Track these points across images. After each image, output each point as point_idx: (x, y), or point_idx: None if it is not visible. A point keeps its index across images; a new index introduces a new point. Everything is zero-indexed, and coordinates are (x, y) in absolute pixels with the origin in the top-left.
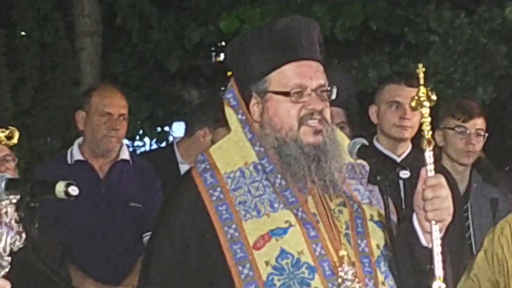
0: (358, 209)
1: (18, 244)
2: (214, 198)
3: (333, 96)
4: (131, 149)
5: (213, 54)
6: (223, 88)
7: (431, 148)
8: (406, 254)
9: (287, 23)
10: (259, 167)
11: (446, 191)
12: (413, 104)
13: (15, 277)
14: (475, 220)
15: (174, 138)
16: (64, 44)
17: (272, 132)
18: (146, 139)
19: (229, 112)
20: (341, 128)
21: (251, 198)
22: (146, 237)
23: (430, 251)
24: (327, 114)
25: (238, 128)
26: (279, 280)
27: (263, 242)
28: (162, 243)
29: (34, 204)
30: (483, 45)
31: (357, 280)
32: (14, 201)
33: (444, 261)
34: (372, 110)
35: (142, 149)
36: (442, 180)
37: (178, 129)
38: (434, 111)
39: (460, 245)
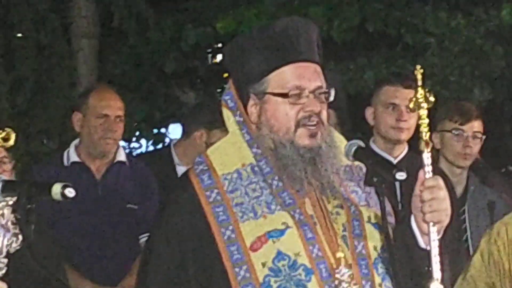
0: (355, 211)
1: (15, 245)
2: (211, 199)
3: (331, 98)
4: (127, 150)
5: (210, 55)
6: (219, 90)
7: (429, 149)
8: (404, 256)
9: (286, 24)
10: (256, 168)
11: (444, 193)
12: (411, 105)
13: (11, 279)
14: (472, 222)
15: (171, 139)
16: (61, 46)
17: (269, 134)
18: (143, 141)
19: (226, 113)
20: None
21: (248, 200)
22: (143, 238)
23: (428, 253)
24: (324, 116)
25: (235, 130)
26: (275, 281)
27: (260, 244)
28: (160, 244)
29: (30, 206)
30: (479, 46)
31: (354, 282)
32: (11, 203)
33: (442, 263)
34: (369, 112)
35: (139, 151)
36: (440, 181)
37: (174, 130)
38: (431, 113)
39: (456, 248)
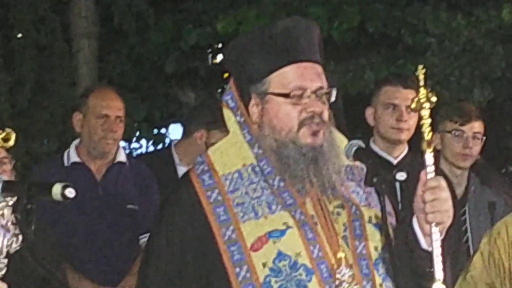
0: (356, 211)
1: (15, 246)
2: (211, 199)
3: (333, 99)
4: (127, 151)
5: (210, 55)
6: (220, 90)
7: (431, 150)
8: (405, 257)
9: (288, 24)
10: (257, 169)
11: (446, 193)
12: (413, 105)
13: (12, 279)
14: (473, 223)
15: (172, 140)
16: (61, 46)
17: (271, 134)
18: (143, 141)
19: (227, 113)
20: None
21: (249, 200)
22: (143, 239)
23: (430, 254)
24: (326, 117)
25: (236, 130)
26: (276, 282)
27: (261, 244)
28: (160, 244)
29: (30, 206)
30: (479, 46)
31: (354, 282)
32: (11, 203)
33: (444, 264)
34: (369, 112)
35: (139, 151)
36: (442, 182)
37: (174, 130)
38: (433, 113)
39: (457, 248)
